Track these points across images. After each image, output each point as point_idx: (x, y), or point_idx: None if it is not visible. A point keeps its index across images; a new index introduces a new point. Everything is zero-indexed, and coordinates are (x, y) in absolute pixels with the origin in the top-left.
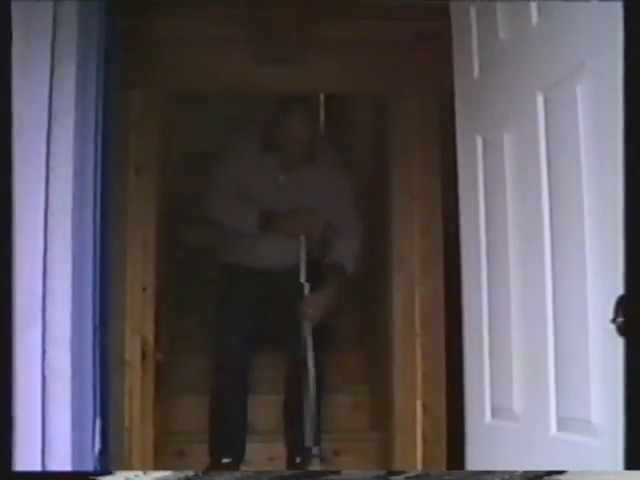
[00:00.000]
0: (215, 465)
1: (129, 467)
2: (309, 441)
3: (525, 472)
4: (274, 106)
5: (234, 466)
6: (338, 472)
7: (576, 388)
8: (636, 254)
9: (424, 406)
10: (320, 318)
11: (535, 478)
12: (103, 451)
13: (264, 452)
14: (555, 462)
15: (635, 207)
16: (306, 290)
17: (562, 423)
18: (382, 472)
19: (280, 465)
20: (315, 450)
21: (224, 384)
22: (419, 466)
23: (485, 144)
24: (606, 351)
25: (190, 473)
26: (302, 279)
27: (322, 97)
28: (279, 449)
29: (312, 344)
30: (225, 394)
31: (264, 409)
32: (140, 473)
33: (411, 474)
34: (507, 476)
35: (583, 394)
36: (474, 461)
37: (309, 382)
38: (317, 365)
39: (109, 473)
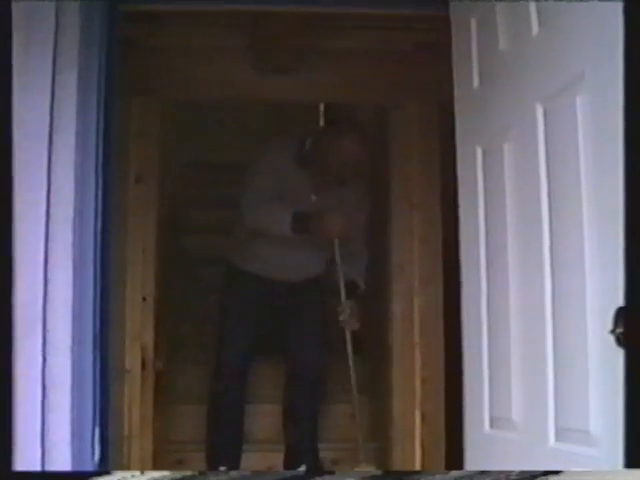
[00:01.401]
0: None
1: None
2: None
3: (521, 472)
4: (321, 125)
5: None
6: (332, 472)
7: (575, 399)
8: (636, 265)
9: (423, 415)
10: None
11: (531, 478)
12: (102, 459)
13: (262, 461)
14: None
15: (635, 218)
16: (343, 297)
17: (561, 433)
18: (378, 472)
19: None
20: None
21: (222, 391)
22: None
23: (485, 154)
24: (605, 362)
25: (187, 473)
26: (341, 286)
27: (322, 107)
28: (277, 458)
29: (352, 352)
30: (222, 402)
31: (263, 418)
32: (137, 473)
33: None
34: (503, 476)
35: (582, 405)
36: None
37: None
38: (317, 373)
39: (107, 473)
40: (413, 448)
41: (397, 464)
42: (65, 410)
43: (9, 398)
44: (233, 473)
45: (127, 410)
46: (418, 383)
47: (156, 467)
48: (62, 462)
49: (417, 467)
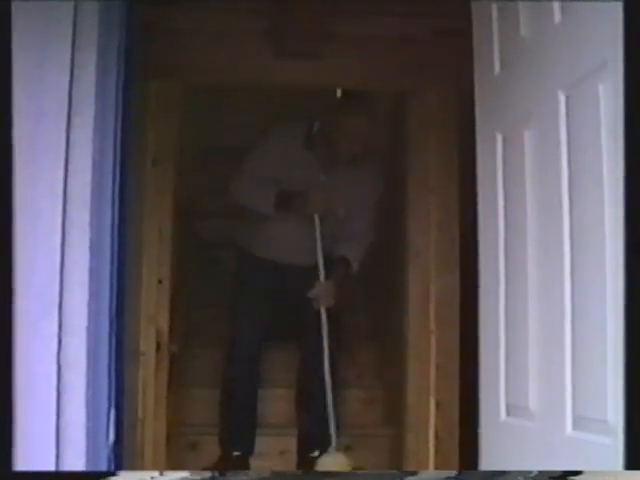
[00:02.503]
0: (225, 458)
1: (141, 458)
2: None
3: (540, 472)
4: (331, 103)
5: (244, 459)
6: (355, 473)
7: (592, 387)
8: None
9: (437, 403)
10: (331, 306)
11: (550, 478)
12: (117, 442)
13: (276, 446)
14: (570, 461)
15: None
16: (321, 276)
17: (578, 422)
18: (396, 472)
19: (291, 459)
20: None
21: (235, 376)
22: (431, 463)
23: (505, 141)
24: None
25: (207, 474)
26: (319, 263)
27: (339, 92)
28: (291, 443)
29: (327, 332)
30: (235, 386)
31: (276, 402)
32: (156, 474)
33: (423, 475)
34: (522, 477)
35: (599, 393)
36: (488, 459)
37: (324, 374)
38: (331, 358)
39: (112, 474)
40: (427, 436)
41: (411, 452)
42: (80, 390)
43: (9, 390)
44: (252, 474)
45: (141, 393)
46: (433, 370)
47: (169, 450)
48: (77, 444)
49: (431, 455)
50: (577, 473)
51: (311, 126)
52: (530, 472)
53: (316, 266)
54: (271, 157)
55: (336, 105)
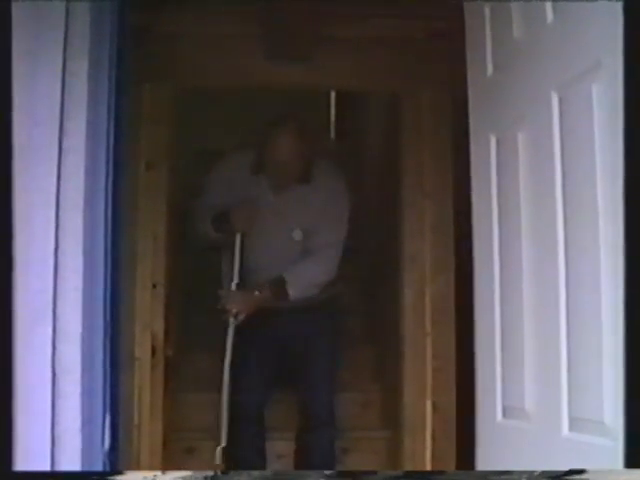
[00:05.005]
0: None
1: (137, 463)
2: None
3: (543, 472)
4: (263, 127)
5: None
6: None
7: (589, 388)
8: None
9: (434, 405)
10: (241, 319)
11: (553, 477)
12: (113, 447)
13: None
14: (567, 463)
15: None
16: (233, 286)
17: (574, 423)
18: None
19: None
20: None
21: (241, 432)
22: (428, 465)
23: (499, 143)
24: (620, 351)
25: (209, 473)
26: (234, 278)
27: (333, 95)
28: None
29: (232, 343)
30: (242, 441)
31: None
32: (159, 473)
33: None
34: (525, 476)
35: (596, 394)
36: (484, 461)
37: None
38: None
39: (119, 473)
40: (424, 437)
41: (408, 453)
42: (75, 397)
43: (10, 391)
44: (255, 473)
45: (137, 398)
46: (429, 372)
47: (166, 455)
48: (72, 450)
49: (428, 457)
50: (580, 472)
51: (259, 151)
52: (533, 472)
53: (305, 305)
54: (220, 187)
55: (265, 127)
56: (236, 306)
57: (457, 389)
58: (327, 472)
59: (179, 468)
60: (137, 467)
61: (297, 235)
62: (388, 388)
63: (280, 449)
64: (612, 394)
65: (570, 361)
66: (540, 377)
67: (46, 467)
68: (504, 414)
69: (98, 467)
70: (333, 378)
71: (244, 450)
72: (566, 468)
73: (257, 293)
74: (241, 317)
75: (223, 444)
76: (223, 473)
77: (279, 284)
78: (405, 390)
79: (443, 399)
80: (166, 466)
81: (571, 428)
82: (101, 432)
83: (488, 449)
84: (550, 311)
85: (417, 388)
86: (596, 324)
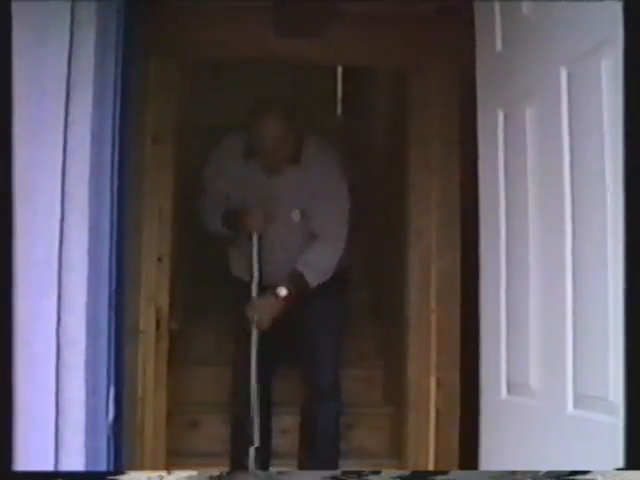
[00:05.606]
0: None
1: (141, 436)
2: None
3: (548, 472)
4: (248, 113)
5: None
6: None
7: (594, 365)
8: None
9: (438, 382)
10: (265, 327)
11: (558, 477)
12: (117, 419)
13: None
14: (571, 439)
15: None
16: (254, 292)
17: (579, 400)
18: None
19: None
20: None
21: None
22: (432, 441)
23: (507, 118)
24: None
25: (215, 473)
26: (253, 281)
27: (340, 70)
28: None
29: (256, 352)
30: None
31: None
32: (164, 473)
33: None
34: (530, 476)
35: (601, 371)
36: (488, 438)
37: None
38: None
39: (122, 473)
40: (428, 414)
41: (412, 430)
42: (80, 369)
43: (10, 391)
44: (261, 473)
45: (141, 371)
46: (434, 349)
47: (169, 428)
48: (76, 422)
49: (431, 433)
50: (585, 473)
51: (248, 137)
52: (538, 472)
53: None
54: (218, 175)
55: (250, 112)
56: (259, 314)
57: (461, 365)
58: (330, 473)
59: (183, 440)
60: (141, 439)
61: (295, 216)
62: (392, 364)
63: (285, 424)
64: (617, 371)
65: (575, 338)
66: (545, 354)
67: (50, 438)
68: (509, 391)
69: (102, 439)
70: (339, 353)
71: (249, 426)
72: (570, 444)
73: (282, 293)
74: (266, 324)
75: (256, 444)
76: (228, 474)
77: (296, 278)
78: (409, 366)
79: (447, 376)
80: (170, 438)
81: (576, 405)
82: (105, 403)
83: (492, 425)
84: (556, 287)
85: (421, 364)
86: (601, 301)
